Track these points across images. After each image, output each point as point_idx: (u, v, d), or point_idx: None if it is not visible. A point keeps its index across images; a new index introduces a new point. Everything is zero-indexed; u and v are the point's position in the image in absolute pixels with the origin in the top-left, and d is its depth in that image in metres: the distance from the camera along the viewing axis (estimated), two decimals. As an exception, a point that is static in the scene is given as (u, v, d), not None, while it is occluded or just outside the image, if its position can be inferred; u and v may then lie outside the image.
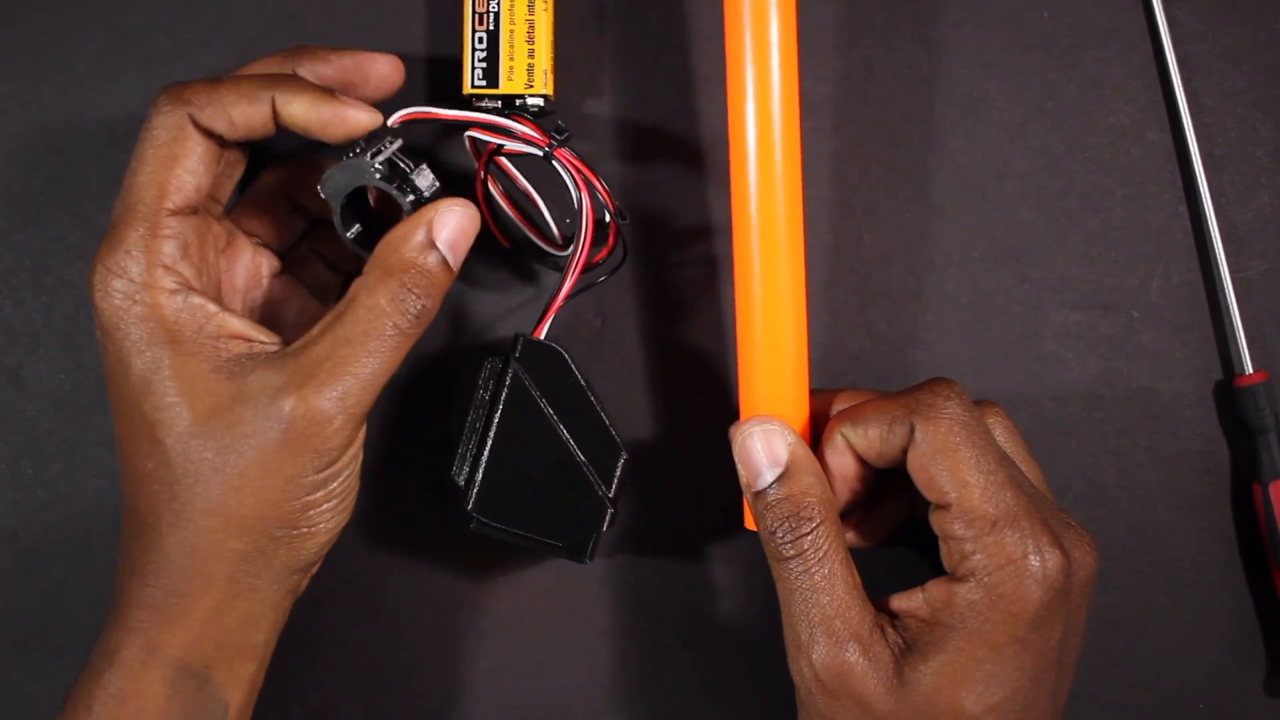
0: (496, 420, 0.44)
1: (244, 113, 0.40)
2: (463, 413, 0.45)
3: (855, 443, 0.42)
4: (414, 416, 0.49)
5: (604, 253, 0.46)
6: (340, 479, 0.40)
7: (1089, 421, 0.49)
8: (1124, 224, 0.49)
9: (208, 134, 0.40)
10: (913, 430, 0.40)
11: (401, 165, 0.43)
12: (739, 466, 0.42)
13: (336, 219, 0.43)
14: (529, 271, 0.49)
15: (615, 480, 0.45)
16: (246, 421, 0.39)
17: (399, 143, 0.43)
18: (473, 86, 0.46)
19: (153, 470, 0.39)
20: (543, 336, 0.45)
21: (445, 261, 0.41)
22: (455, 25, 0.48)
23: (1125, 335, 0.49)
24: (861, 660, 0.38)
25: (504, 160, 0.46)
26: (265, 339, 0.40)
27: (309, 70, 0.43)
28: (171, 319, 0.39)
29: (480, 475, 0.44)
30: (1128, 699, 0.49)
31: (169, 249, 0.39)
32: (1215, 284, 0.48)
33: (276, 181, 0.46)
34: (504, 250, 0.48)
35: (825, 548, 0.40)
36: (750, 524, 0.44)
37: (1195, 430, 0.49)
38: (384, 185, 0.42)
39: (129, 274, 0.39)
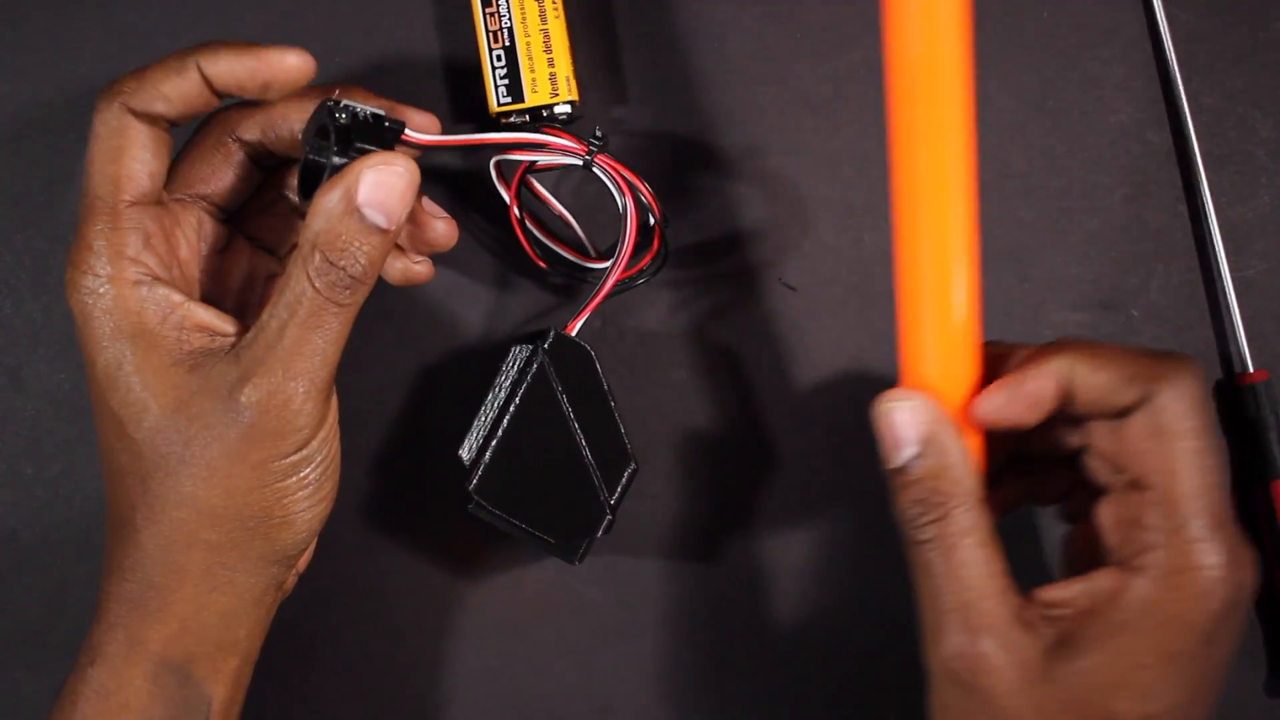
0: (514, 408, 0.44)
1: (175, 86, 0.39)
2: (470, 418, 0.45)
3: (1078, 377, 0.38)
4: (416, 416, 0.49)
5: (648, 258, 0.46)
6: (313, 466, 0.40)
7: (1089, 421, 0.49)
8: (1124, 224, 0.49)
9: (150, 120, 0.40)
10: (1146, 398, 0.36)
11: (371, 126, 0.40)
12: (879, 441, 0.39)
13: (302, 160, 0.41)
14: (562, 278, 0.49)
15: (619, 488, 0.45)
16: (209, 414, 0.39)
17: (379, 113, 0.41)
18: (499, 105, 0.46)
19: (126, 465, 0.40)
20: (575, 333, 0.45)
21: (370, 223, 0.38)
22: (470, 41, 0.48)
23: (1125, 335, 0.49)
24: (998, 652, 0.36)
25: (532, 180, 0.46)
26: (231, 330, 0.40)
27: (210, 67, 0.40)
28: (135, 310, 0.39)
29: (487, 459, 0.44)
30: (1128, 699, 0.49)
31: (131, 240, 0.39)
32: (1215, 283, 0.48)
33: (277, 183, 0.46)
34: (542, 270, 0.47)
35: (962, 531, 0.37)
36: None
37: (1195, 430, 0.49)
38: (330, 131, 0.39)
39: (94, 269, 0.39)
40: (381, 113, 0.41)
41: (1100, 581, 0.37)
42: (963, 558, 0.37)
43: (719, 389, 0.48)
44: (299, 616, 0.49)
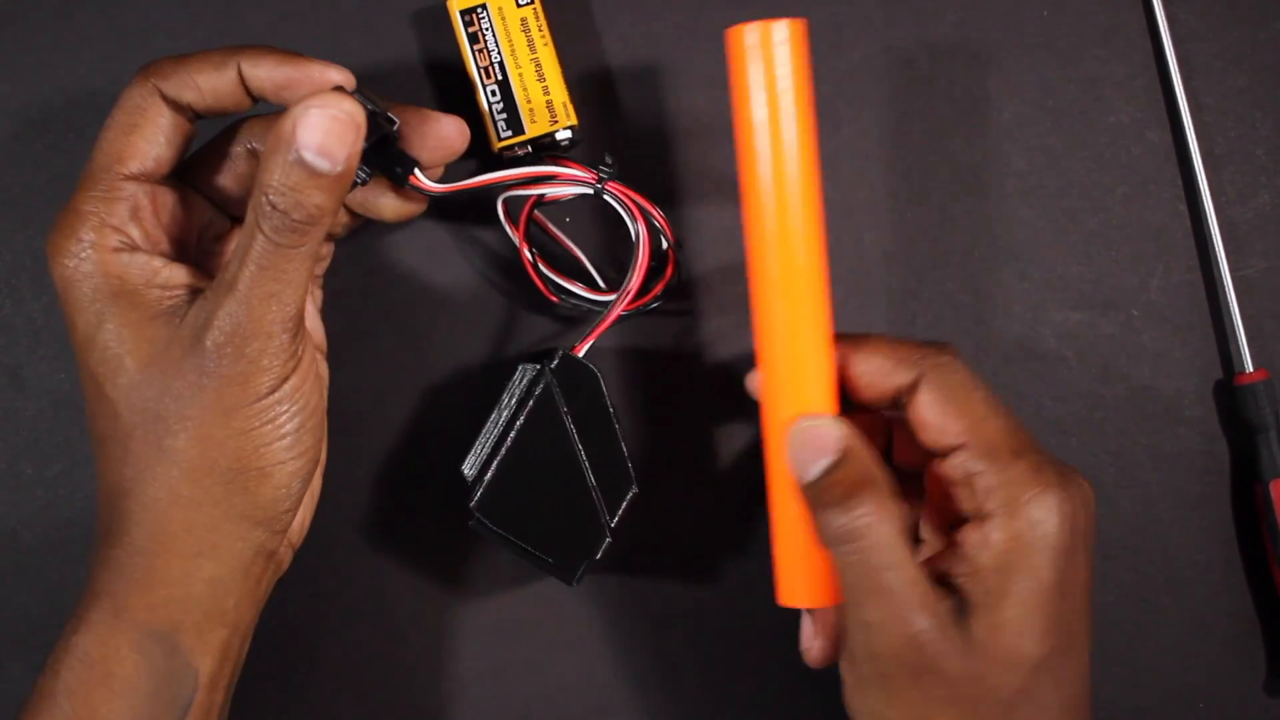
0: (518, 426, 0.44)
1: (210, 79, 0.40)
2: (474, 419, 0.45)
3: (849, 365, 0.42)
4: (420, 418, 0.49)
5: (661, 285, 0.46)
6: (288, 414, 0.39)
7: (1089, 421, 0.49)
8: (1124, 223, 0.49)
9: (176, 107, 0.40)
10: (918, 380, 0.40)
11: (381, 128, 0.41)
12: (792, 463, 0.41)
13: None
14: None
15: (620, 511, 0.45)
16: (178, 360, 0.38)
17: (395, 128, 0.41)
18: (500, 139, 0.46)
19: (107, 430, 0.39)
20: (582, 355, 0.45)
21: (314, 168, 0.37)
22: (463, 79, 0.47)
23: (1125, 335, 0.49)
24: (936, 633, 0.38)
25: (539, 216, 0.46)
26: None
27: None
28: (117, 273, 0.39)
29: (489, 476, 0.44)
30: (1128, 699, 0.49)
31: (120, 211, 0.39)
32: (1215, 283, 0.48)
33: None
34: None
35: (887, 527, 0.38)
36: (783, 600, 0.42)
37: (1195, 429, 0.49)
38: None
39: (77, 234, 0.39)
40: (396, 128, 0.41)
41: (968, 540, 0.39)
42: (893, 556, 0.38)
43: (718, 399, 0.48)
44: (299, 616, 0.49)
